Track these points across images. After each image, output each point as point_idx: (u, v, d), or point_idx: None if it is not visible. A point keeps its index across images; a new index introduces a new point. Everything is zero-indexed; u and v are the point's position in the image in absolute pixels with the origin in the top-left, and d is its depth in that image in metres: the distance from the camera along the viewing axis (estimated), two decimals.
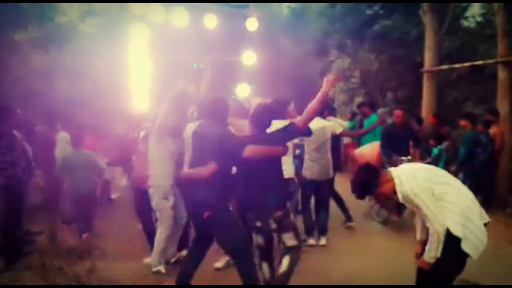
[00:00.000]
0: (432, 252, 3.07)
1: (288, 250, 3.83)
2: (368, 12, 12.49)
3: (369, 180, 3.28)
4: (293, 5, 16.05)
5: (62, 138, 7.00)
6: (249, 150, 3.57)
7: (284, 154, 3.81)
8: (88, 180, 6.02)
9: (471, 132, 7.30)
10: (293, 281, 3.85)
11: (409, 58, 11.21)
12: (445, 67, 9.41)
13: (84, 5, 15.74)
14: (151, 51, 8.45)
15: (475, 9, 12.51)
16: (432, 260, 3.09)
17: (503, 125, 7.59)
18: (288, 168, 4.68)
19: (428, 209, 3.04)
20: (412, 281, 3.40)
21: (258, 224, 3.77)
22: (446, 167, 7.44)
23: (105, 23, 15.05)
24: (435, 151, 7.86)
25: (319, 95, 3.72)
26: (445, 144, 7.78)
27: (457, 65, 9.33)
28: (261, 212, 3.74)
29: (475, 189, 6.89)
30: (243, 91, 8.71)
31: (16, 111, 5.29)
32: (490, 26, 10.96)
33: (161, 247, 4.74)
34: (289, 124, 3.79)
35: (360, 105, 10.05)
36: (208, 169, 3.68)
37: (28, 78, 8.34)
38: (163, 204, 4.67)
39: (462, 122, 7.60)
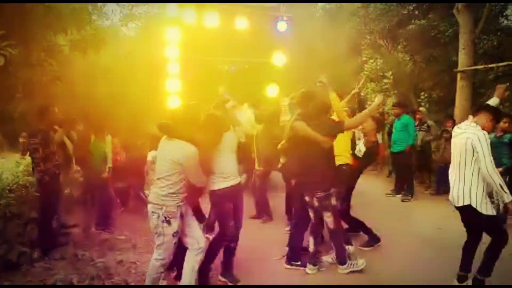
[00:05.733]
0: None
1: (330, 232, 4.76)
2: (403, 12, 12.28)
3: None
4: (327, 6, 16.04)
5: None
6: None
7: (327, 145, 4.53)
8: None
9: None
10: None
11: (444, 58, 10.96)
12: (480, 67, 9.16)
13: (126, 9, 16.43)
14: (185, 53, 8.71)
15: None
16: None
17: None
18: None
19: None
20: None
21: (307, 198, 4.72)
22: None
23: (144, 26, 15.63)
24: None
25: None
26: None
27: (492, 65, 9.07)
28: (309, 190, 4.67)
29: None
30: (273, 92, 8.82)
31: (53, 109, 5.56)
32: None
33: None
34: (340, 121, 4.67)
35: (393, 106, 9.97)
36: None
37: (68, 79, 8.74)
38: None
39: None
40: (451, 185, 4.27)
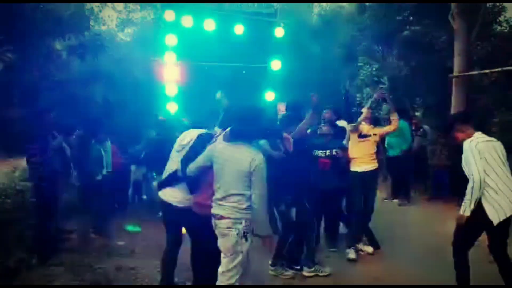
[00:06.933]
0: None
1: None
2: (398, 18, 12.37)
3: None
4: (322, 12, 16.14)
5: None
6: None
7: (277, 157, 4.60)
8: None
9: None
10: None
11: (439, 63, 11.03)
12: (474, 72, 9.24)
13: (123, 15, 16.45)
14: (182, 58, 8.72)
15: (509, 13, 12.23)
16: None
17: None
18: None
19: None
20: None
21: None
22: None
23: (141, 32, 15.66)
24: None
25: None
26: None
27: (486, 71, 9.15)
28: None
29: None
30: (269, 97, 8.87)
31: (50, 115, 5.53)
32: None
33: None
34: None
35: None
36: None
37: (66, 84, 8.74)
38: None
39: None
40: (500, 196, 3.72)
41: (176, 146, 4.06)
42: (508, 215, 3.68)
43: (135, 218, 7.29)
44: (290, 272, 4.92)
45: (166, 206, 3.98)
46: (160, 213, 4.42)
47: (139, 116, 10.57)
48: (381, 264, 5.31)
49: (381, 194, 9.40)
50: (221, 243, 3.43)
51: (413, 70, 11.95)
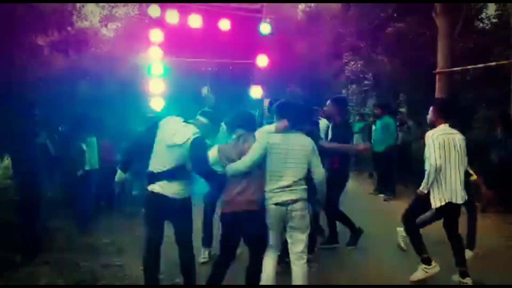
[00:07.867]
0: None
1: None
2: (382, 15, 12.46)
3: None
4: (307, 8, 16.13)
5: None
6: None
7: None
8: None
9: None
10: None
11: (422, 60, 11.16)
12: (457, 68, 9.38)
13: (106, 11, 16.18)
14: (167, 54, 8.65)
15: (490, 10, 12.44)
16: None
17: None
18: None
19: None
20: None
21: None
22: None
23: (124, 28, 15.45)
24: None
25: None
26: None
27: (469, 67, 9.32)
28: None
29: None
30: (256, 94, 8.84)
31: (33, 111, 5.44)
32: (505, 28, 10.87)
33: None
34: None
35: (375, 106, 10.18)
36: None
37: (49, 80, 8.59)
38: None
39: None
40: (451, 183, 4.35)
41: (166, 141, 3.83)
42: (447, 201, 4.32)
43: (122, 216, 7.21)
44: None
45: (160, 200, 3.83)
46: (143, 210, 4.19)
47: (125, 112, 10.44)
48: (369, 258, 5.34)
49: (366, 189, 9.52)
50: (301, 224, 3.80)
51: (398, 66, 12.06)
